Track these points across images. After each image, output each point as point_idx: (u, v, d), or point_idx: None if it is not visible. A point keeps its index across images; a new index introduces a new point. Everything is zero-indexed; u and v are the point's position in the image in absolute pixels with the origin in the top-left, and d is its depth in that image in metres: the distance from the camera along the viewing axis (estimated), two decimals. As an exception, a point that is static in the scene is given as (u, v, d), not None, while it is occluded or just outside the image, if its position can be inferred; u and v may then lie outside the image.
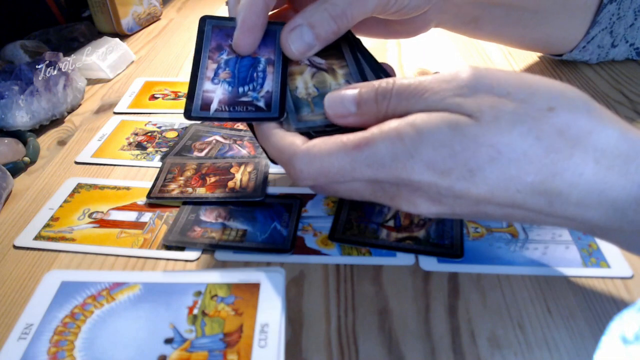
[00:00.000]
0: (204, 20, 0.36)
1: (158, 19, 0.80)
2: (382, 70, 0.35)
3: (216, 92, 0.33)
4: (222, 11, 0.83)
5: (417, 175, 0.26)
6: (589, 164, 0.25)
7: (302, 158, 0.29)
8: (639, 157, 0.25)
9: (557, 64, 0.60)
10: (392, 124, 0.27)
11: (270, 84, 0.34)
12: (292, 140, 0.30)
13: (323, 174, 0.29)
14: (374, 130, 0.28)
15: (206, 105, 0.33)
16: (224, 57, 0.34)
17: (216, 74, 0.34)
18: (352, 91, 0.30)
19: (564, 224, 0.28)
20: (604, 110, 0.26)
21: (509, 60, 0.63)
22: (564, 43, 0.56)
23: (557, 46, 0.57)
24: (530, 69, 0.60)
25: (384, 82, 0.29)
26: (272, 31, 0.36)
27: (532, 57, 0.63)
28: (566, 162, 0.25)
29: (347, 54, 0.35)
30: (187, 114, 0.32)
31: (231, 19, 0.36)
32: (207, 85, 0.33)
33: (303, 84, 0.34)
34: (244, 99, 0.33)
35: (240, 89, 0.33)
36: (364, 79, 0.34)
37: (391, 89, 0.28)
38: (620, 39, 0.56)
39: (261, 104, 0.33)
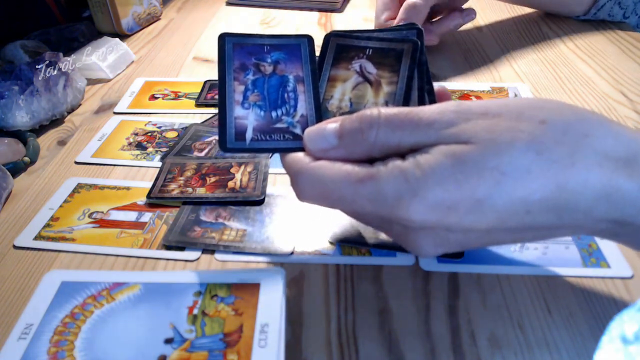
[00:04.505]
0: (224, 38, 0.33)
1: (158, 19, 0.80)
2: (431, 97, 0.32)
3: (248, 118, 0.31)
4: (222, 11, 0.83)
5: (421, 216, 0.26)
6: (594, 169, 0.25)
7: (306, 177, 0.28)
8: (638, 157, 0.25)
9: (556, 64, 0.60)
10: (397, 162, 0.26)
11: (303, 106, 0.32)
12: (301, 155, 0.30)
13: (324, 197, 0.28)
14: (379, 166, 0.27)
15: (241, 135, 0.31)
16: (250, 77, 0.33)
17: (245, 96, 0.32)
18: (334, 124, 0.29)
19: (573, 233, 0.27)
20: (589, 112, 0.26)
21: (509, 60, 0.63)
22: (574, 6, 0.66)
23: (570, 8, 0.67)
24: (531, 70, 0.60)
25: (368, 111, 0.28)
26: (295, 46, 0.34)
27: (533, 58, 0.63)
28: (569, 172, 0.25)
29: (404, 68, 0.32)
30: (223, 146, 0.31)
31: (251, 35, 0.34)
32: (238, 111, 0.32)
33: (340, 94, 0.32)
34: (279, 125, 0.31)
35: (274, 114, 0.32)
36: (406, 104, 0.32)
37: (378, 118, 0.28)
38: (631, 11, 0.61)
39: (298, 130, 0.31)
